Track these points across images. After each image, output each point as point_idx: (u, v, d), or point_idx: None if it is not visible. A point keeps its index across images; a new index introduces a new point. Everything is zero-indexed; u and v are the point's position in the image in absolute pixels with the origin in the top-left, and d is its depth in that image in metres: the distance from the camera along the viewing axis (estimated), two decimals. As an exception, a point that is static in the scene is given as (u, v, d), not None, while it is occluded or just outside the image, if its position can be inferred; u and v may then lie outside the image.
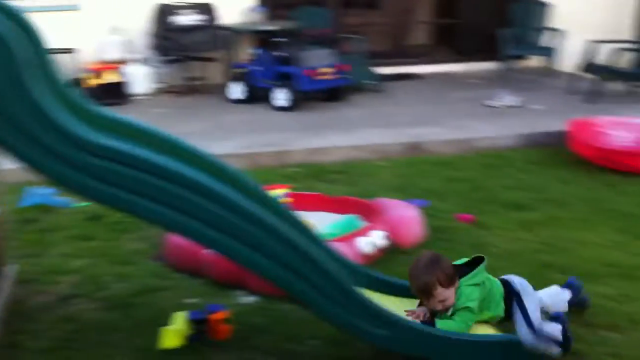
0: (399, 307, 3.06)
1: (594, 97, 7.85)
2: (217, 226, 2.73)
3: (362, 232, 4.12)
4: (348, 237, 4.05)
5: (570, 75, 8.51)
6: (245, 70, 8.19)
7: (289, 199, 4.41)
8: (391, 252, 4.24)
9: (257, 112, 7.79)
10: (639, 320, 3.44)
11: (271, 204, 3.33)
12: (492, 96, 7.95)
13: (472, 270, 3.12)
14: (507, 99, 7.80)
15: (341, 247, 3.79)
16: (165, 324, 3.28)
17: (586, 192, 5.34)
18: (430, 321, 3.04)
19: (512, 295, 3.19)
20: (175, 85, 9.01)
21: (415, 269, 3.07)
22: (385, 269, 4.03)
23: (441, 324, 3.02)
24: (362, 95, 8.56)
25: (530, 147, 6.61)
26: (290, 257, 2.77)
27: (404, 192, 5.39)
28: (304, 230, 3.33)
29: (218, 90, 8.78)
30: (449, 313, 3.07)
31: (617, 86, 8.60)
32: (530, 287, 3.30)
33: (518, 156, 6.32)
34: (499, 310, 3.18)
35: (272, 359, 3.20)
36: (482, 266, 3.15)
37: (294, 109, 7.70)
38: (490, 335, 3.02)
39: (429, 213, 4.90)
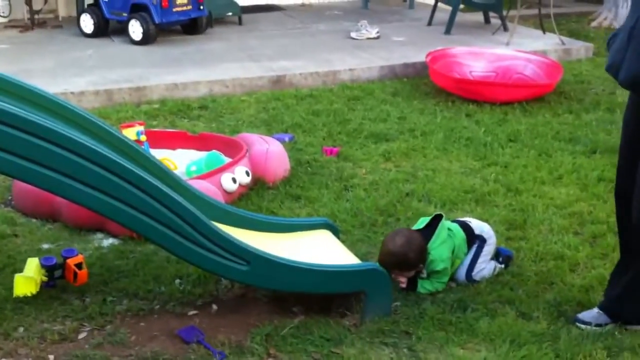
0: (261, 242, 3.02)
1: (452, 28, 8.02)
2: (67, 173, 2.55)
3: (225, 169, 4.03)
4: (210, 174, 3.95)
5: (429, 7, 8.64)
6: (95, 1, 7.69)
7: (144, 137, 4.22)
8: (255, 187, 4.18)
9: (111, 46, 7.39)
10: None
11: (124, 147, 3.16)
12: (354, 28, 7.95)
13: (433, 230, 3.25)
14: (369, 31, 7.83)
15: (203, 185, 3.69)
16: (20, 271, 3.10)
17: (444, 122, 5.48)
18: (410, 286, 3.20)
19: (473, 239, 3.34)
20: (17, 19, 8.38)
21: (393, 253, 3.17)
22: (249, 205, 3.99)
23: (422, 289, 3.19)
24: (223, 28, 8.32)
25: (391, 78, 6.70)
26: (145, 201, 2.65)
27: (269, 127, 5.32)
28: (160, 171, 3.19)
29: (68, 24, 8.25)
30: (424, 275, 3.22)
31: (474, 17, 8.84)
32: (492, 232, 3.44)
33: (380, 88, 6.38)
34: (463, 252, 3.31)
35: (136, 301, 3.10)
36: (441, 223, 3.27)
37: (151, 43, 7.36)
38: (350, 264, 3.06)
39: (294, 147, 4.88)
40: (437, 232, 3.26)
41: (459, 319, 2.97)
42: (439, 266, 3.19)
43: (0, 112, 2.45)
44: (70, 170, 2.55)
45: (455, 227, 3.36)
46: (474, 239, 3.35)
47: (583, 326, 2.91)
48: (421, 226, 3.35)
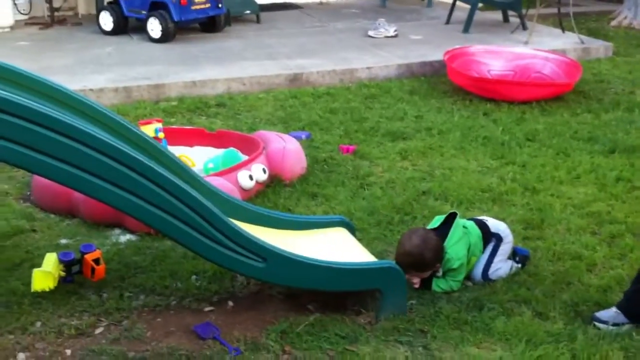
0: (277, 239, 3.03)
1: (470, 26, 7.99)
2: (87, 169, 2.57)
3: (242, 166, 4.04)
4: (227, 171, 3.96)
5: (448, 5, 8.61)
6: (113, -1, 7.76)
7: (162, 134, 4.25)
8: (272, 185, 4.19)
9: (130, 44, 7.44)
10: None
11: (143, 143, 3.18)
12: (371, 26, 7.94)
13: (449, 228, 3.24)
14: (387, 30, 7.82)
15: (220, 181, 3.71)
16: (38, 266, 3.11)
17: (462, 120, 5.46)
18: (423, 285, 3.20)
19: (489, 237, 3.33)
20: (37, 16, 8.45)
21: (410, 253, 3.14)
22: (266, 202, 4.00)
23: (437, 287, 3.18)
24: (241, 26, 8.34)
25: (409, 77, 6.68)
26: (163, 197, 2.66)
27: (286, 125, 5.33)
28: (177, 168, 3.21)
29: (88, 21, 8.32)
30: (439, 274, 3.21)
31: (493, 15, 8.81)
32: (508, 230, 3.42)
33: (397, 86, 6.37)
34: (479, 250, 3.30)
35: (153, 297, 3.11)
36: (456, 221, 3.26)
37: (169, 41, 7.40)
38: (366, 262, 3.06)
39: (311, 145, 4.88)
40: (452, 230, 3.24)
41: (474, 318, 2.96)
42: (455, 264, 3.18)
43: (20, 107, 2.48)
44: (88, 166, 2.57)
45: (471, 224, 3.35)
46: (490, 237, 3.34)
47: (600, 325, 2.89)
48: (436, 225, 3.34)
